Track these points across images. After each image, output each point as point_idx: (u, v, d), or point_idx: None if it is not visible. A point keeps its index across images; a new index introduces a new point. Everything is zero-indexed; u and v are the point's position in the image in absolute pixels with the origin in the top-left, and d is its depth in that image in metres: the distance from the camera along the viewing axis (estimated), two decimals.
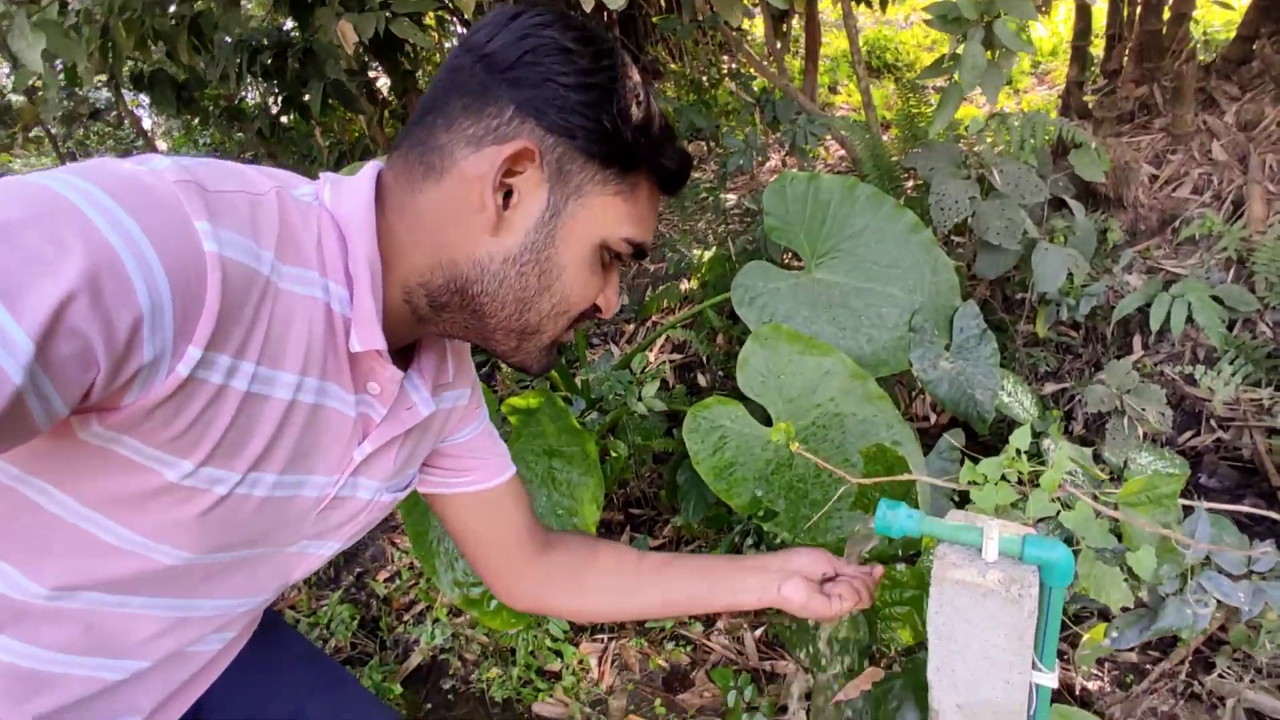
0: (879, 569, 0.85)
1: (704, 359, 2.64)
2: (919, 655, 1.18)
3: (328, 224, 0.58)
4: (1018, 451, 0.98)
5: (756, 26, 5.35)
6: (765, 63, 2.82)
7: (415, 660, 1.69)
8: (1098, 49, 3.23)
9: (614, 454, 1.78)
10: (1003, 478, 0.97)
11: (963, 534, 0.73)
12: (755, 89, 2.87)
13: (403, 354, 0.70)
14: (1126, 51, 2.91)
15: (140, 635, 0.63)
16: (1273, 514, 0.91)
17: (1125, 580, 0.90)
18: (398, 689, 1.59)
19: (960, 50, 1.73)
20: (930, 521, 0.75)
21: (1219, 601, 0.92)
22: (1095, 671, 1.46)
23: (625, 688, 1.55)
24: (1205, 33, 3.74)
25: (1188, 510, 1.01)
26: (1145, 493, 0.95)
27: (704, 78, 5.13)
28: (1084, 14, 2.95)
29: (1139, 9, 2.76)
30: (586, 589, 0.87)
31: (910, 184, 2.38)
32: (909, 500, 1.19)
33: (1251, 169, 2.36)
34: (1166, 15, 2.71)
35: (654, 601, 0.86)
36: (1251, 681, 1.31)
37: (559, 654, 1.61)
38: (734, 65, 5.01)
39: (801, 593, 0.81)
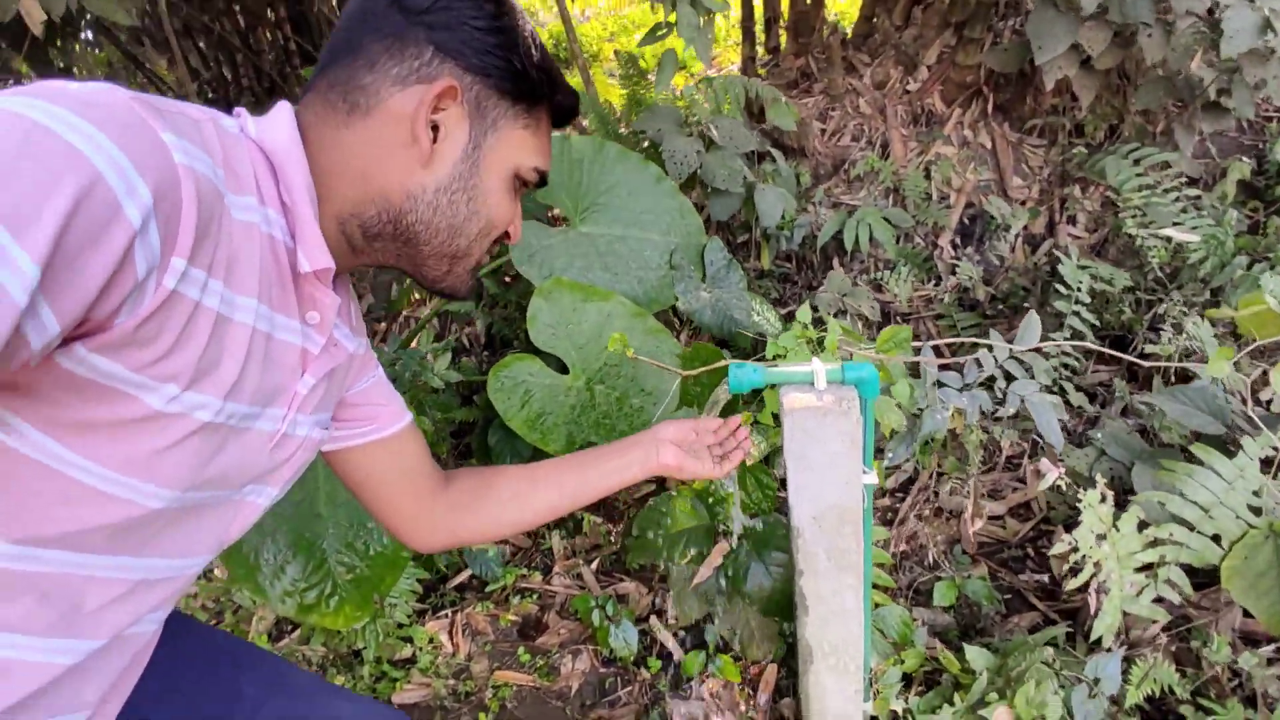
0: (737, 419, 0.99)
1: (465, 341, 2.65)
2: (752, 525, 1.36)
3: (257, 154, 0.60)
4: (804, 325, 1.19)
5: None
6: None
7: None
8: (761, 33, 3.77)
9: (422, 429, 1.75)
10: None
11: (798, 375, 0.90)
12: None
13: None
14: (782, 30, 3.44)
15: (96, 603, 0.57)
16: (983, 341, 1.21)
17: (897, 406, 1.16)
18: None
19: (673, 17, 1.95)
20: (772, 371, 0.91)
21: (953, 411, 1.22)
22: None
23: (484, 650, 1.56)
24: (835, 14, 4.53)
25: (916, 353, 1.31)
26: (892, 340, 1.21)
27: None
28: (748, 1, 3.44)
29: None
30: (492, 508, 0.90)
31: (639, 147, 2.60)
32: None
33: (889, 118, 2.96)
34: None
35: (551, 500, 0.92)
36: (968, 494, 1.70)
37: (408, 640, 1.56)
38: None
39: (677, 457, 0.92)
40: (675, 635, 1.51)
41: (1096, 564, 1.15)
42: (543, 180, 0.75)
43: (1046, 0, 2.16)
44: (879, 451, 1.39)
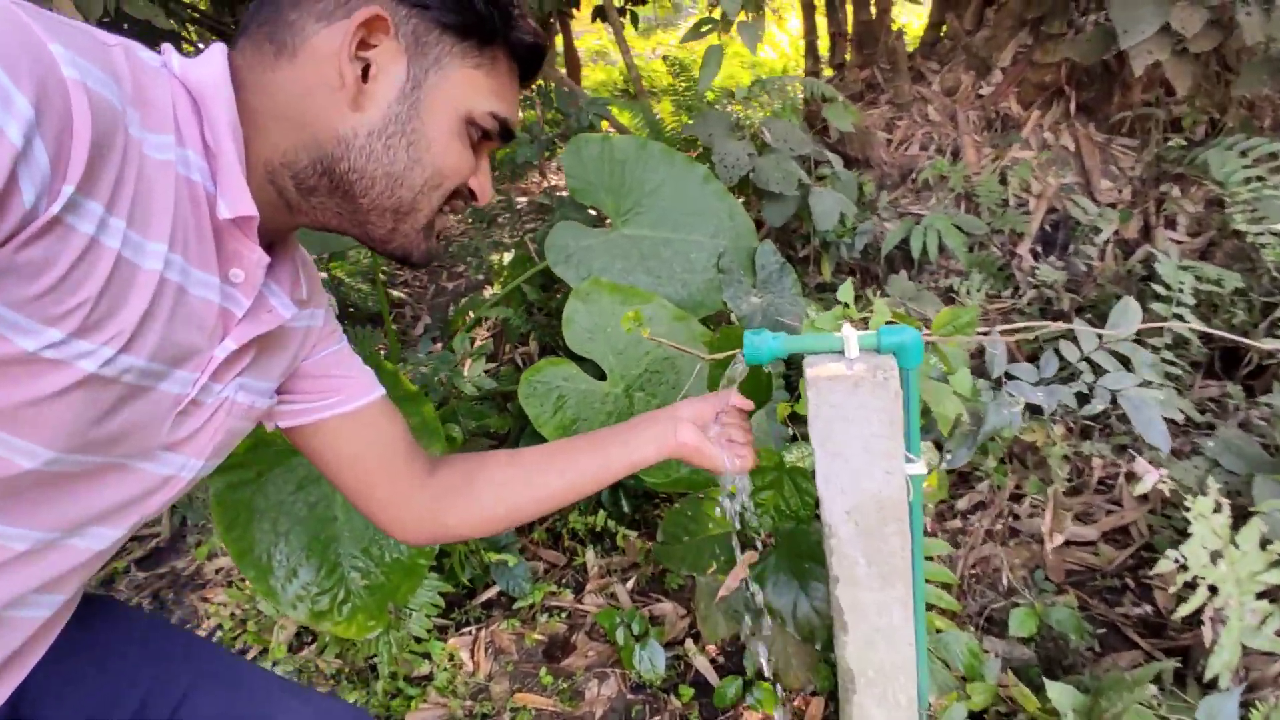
0: (729, 394, 0.86)
1: (518, 361, 2.60)
2: (784, 528, 1.21)
3: (180, 91, 0.53)
4: (845, 305, 1.05)
5: None
6: None
7: None
8: (824, 48, 3.68)
9: (451, 436, 1.68)
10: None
11: (825, 343, 0.77)
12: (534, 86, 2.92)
13: None
14: (847, 44, 3.33)
15: None
16: (1065, 326, 1.05)
17: (955, 395, 1.00)
18: None
19: (718, 12, 1.88)
20: (794, 339, 0.78)
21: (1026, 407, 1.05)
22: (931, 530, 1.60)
23: (505, 670, 1.44)
24: (899, 27, 4.40)
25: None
26: (951, 323, 1.06)
27: None
28: (810, 14, 3.35)
29: (851, 8, 3.19)
30: (482, 495, 0.80)
31: (693, 156, 2.52)
32: (762, 383, 1.24)
33: (960, 125, 2.79)
34: (874, 11, 3.15)
35: (555, 486, 0.81)
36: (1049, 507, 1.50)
37: (426, 656, 1.47)
38: None
39: (696, 437, 0.81)
40: (712, 661, 1.37)
41: (1211, 587, 0.96)
42: (507, 131, 0.66)
43: None
44: (938, 446, 1.22)
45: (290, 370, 0.71)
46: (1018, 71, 2.73)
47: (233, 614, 1.68)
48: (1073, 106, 2.61)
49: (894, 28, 3.03)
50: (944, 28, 3.10)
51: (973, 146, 2.73)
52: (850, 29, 3.29)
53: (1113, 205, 2.44)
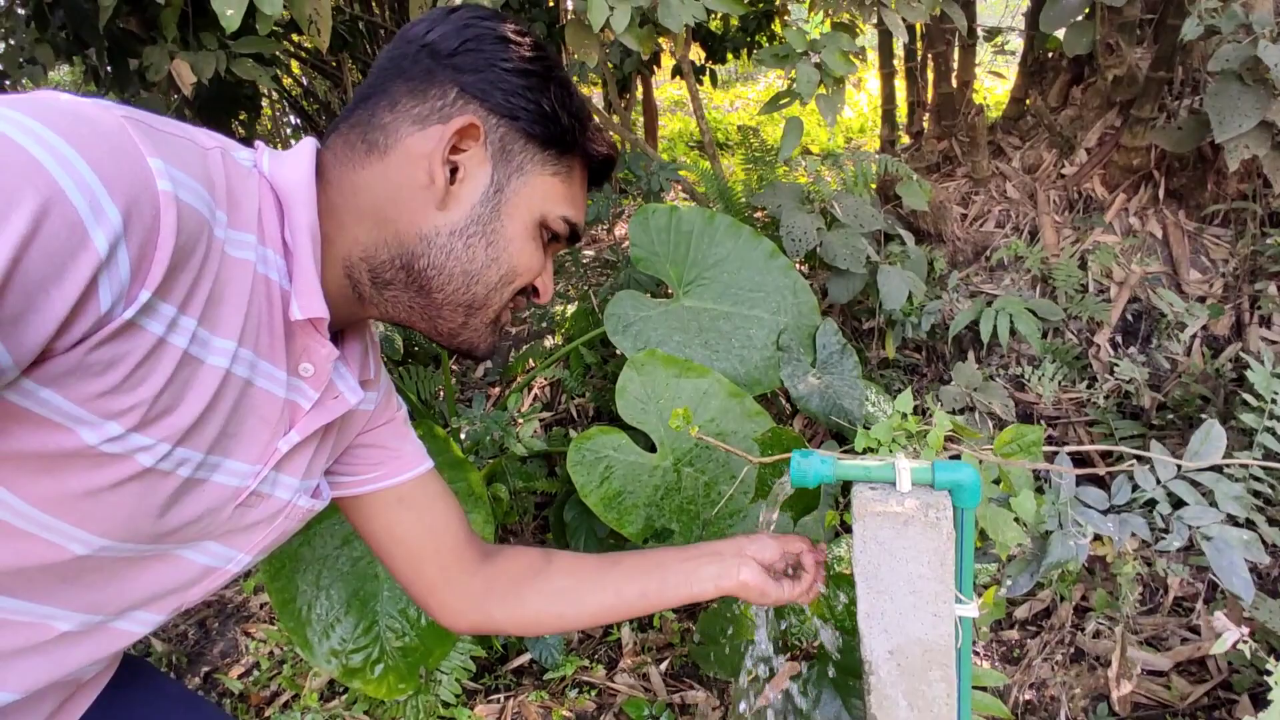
0: (822, 548, 0.85)
1: (573, 412, 2.61)
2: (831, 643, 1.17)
3: (266, 191, 0.57)
4: (903, 415, 1.02)
5: (595, 99, 5.57)
6: (612, 118, 2.94)
7: None
8: (902, 115, 3.65)
9: (497, 496, 1.69)
10: (893, 440, 1.00)
11: (877, 472, 0.74)
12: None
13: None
14: (926, 114, 3.30)
15: (4, 647, 0.52)
16: (1142, 454, 0.99)
17: (1016, 522, 0.95)
18: None
19: (794, 86, 1.89)
20: (844, 465, 0.75)
21: (1095, 536, 0.99)
22: (984, 653, 1.52)
23: None
24: (985, 98, 4.34)
25: (1049, 459, 1.09)
26: (1015, 441, 1.01)
27: None
28: (889, 82, 3.34)
29: (932, 78, 3.16)
30: (533, 599, 0.80)
31: (760, 223, 2.52)
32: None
33: (1040, 204, 2.71)
34: (955, 83, 3.12)
35: (606, 603, 0.80)
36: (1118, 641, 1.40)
37: None
38: None
39: (760, 578, 0.79)
40: None
41: None
42: (575, 234, 0.71)
43: (1229, 73, 1.90)
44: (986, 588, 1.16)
45: (341, 449, 0.73)
46: (1103, 153, 2.65)
47: (271, 653, 1.71)
48: (1161, 192, 2.51)
49: (975, 100, 2.98)
50: (1027, 102, 3.04)
51: (1052, 227, 2.64)
52: (930, 99, 3.26)
53: (1201, 299, 2.32)
